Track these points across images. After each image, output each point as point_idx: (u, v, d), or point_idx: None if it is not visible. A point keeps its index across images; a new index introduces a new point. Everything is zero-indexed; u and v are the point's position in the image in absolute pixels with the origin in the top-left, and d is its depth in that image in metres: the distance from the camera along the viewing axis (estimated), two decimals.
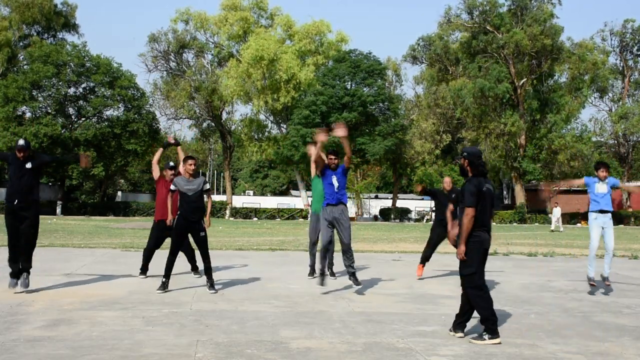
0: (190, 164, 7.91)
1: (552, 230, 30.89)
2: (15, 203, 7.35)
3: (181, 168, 9.03)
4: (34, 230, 7.51)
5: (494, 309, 5.55)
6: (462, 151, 5.79)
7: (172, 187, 7.99)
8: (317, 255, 9.41)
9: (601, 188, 8.47)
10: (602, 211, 8.47)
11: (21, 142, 7.45)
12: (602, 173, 8.50)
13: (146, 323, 5.92)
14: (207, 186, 8.09)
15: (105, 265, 10.62)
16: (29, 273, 7.51)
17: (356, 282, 7.98)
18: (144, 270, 9.17)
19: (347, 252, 7.96)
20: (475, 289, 5.53)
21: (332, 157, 8.22)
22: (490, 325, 5.43)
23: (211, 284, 7.95)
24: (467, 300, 5.65)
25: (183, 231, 7.95)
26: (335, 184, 8.05)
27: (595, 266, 8.62)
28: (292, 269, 10.60)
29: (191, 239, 8.34)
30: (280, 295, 7.78)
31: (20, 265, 7.47)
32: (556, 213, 31.78)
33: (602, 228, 8.50)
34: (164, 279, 7.88)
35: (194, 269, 9.46)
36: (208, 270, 7.97)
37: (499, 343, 5.39)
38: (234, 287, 8.32)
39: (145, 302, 7.06)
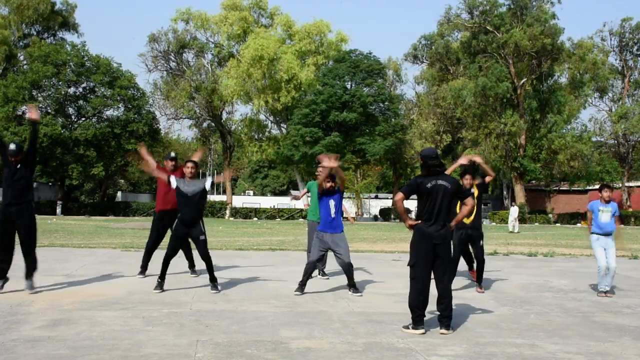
0: (188, 167, 7.82)
1: (511, 232, 29.64)
2: (10, 206, 7.32)
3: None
4: (33, 234, 7.49)
5: (423, 307, 5.84)
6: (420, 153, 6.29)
7: (172, 181, 7.79)
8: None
9: (604, 217, 8.50)
10: (604, 234, 8.53)
11: (12, 146, 7.35)
12: (605, 193, 8.53)
13: (146, 323, 5.92)
14: (208, 185, 7.92)
15: (105, 265, 10.61)
16: (32, 275, 7.51)
17: (356, 291, 7.94)
18: (143, 269, 9.13)
19: (348, 272, 7.92)
20: (411, 280, 5.92)
21: (330, 180, 7.98)
22: (414, 316, 5.84)
23: (214, 285, 7.92)
24: (443, 293, 5.91)
25: (182, 235, 7.91)
26: (332, 209, 7.90)
27: (605, 284, 8.56)
28: (292, 269, 10.60)
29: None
30: (280, 295, 7.78)
31: (26, 272, 7.46)
32: (513, 213, 30.89)
33: (604, 249, 8.52)
34: (159, 279, 7.85)
35: (191, 266, 9.41)
36: (210, 271, 7.94)
37: (422, 333, 5.73)
38: (234, 287, 8.32)
39: (145, 302, 7.06)
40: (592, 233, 8.63)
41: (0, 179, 7.61)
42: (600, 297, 8.39)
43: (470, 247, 8.61)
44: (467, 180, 8.46)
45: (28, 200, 7.46)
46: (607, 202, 8.54)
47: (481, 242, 8.52)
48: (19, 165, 7.40)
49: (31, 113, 7.86)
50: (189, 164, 7.87)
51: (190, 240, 8.28)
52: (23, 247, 7.46)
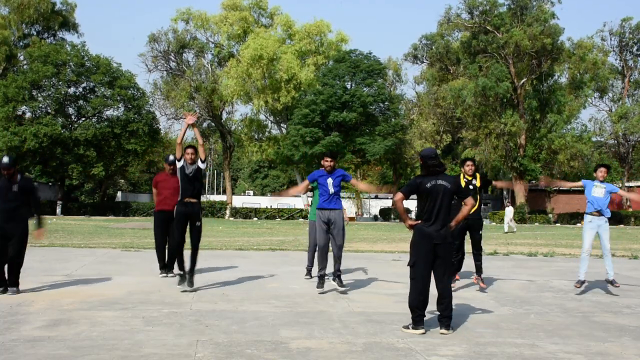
0: (188, 153, 7.92)
1: (506, 232, 28.90)
2: (3, 222, 7.22)
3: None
4: (22, 247, 7.39)
5: (423, 307, 5.84)
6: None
7: (179, 164, 7.91)
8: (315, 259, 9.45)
9: (597, 192, 8.41)
10: (596, 214, 8.42)
11: (5, 159, 7.19)
12: (600, 173, 8.47)
13: (146, 323, 5.92)
14: (201, 163, 7.98)
15: (105, 265, 10.61)
16: (18, 288, 7.43)
17: (340, 284, 7.96)
18: (163, 266, 9.11)
19: (338, 254, 7.97)
20: (411, 280, 5.91)
21: (328, 159, 8.08)
22: (414, 316, 5.83)
23: (191, 278, 7.79)
24: (444, 293, 5.90)
25: (182, 217, 7.87)
26: (331, 189, 7.96)
27: (585, 268, 8.54)
28: (292, 269, 10.60)
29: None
30: (280, 295, 7.78)
31: (8, 281, 7.37)
32: (508, 213, 30.46)
33: (597, 232, 8.44)
34: (181, 272, 7.88)
35: (164, 267, 9.26)
36: (193, 262, 7.83)
37: (422, 333, 5.73)
38: (234, 287, 8.32)
39: (145, 302, 7.06)
40: (586, 214, 8.51)
41: None
42: (577, 287, 8.47)
43: (469, 235, 8.59)
44: (468, 167, 8.48)
45: (22, 217, 7.31)
46: (602, 181, 8.48)
47: (480, 231, 8.54)
48: (14, 186, 7.23)
49: (39, 234, 7.59)
50: (189, 150, 7.96)
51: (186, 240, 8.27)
52: (11, 261, 7.32)
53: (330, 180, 7.97)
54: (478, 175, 8.57)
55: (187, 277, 7.85)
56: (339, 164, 46.89)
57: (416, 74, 72.83)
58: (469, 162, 8.53)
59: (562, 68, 50.53)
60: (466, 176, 8.48)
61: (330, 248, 8.12)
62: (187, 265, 7.88)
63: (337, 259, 8.00)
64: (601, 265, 8.86)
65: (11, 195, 7.25)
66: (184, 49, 52.24)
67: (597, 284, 9.31)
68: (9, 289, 7.39)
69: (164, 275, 9.11)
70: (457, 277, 9.14)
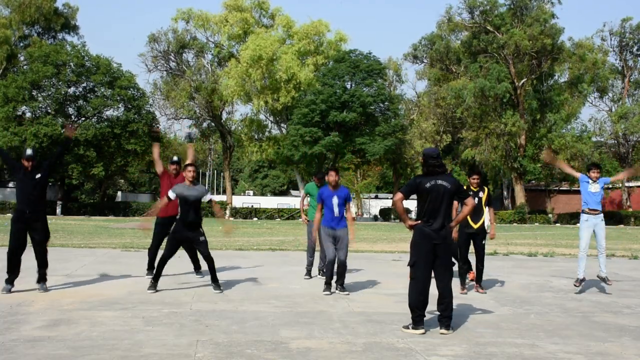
0: (190, 171, 7.83)
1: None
2: (26, 213, 7.48)
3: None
4: (47, 237, 7.72)
5: (423, 307, 5.84)
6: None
7: (170, 194, 7.76)
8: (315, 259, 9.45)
9: (594, 187, 8.52)
10: (592, 212, 8.48)
11: (29, 151, 7.54)
12: (593, 174, 8.55)
13: (146, 323, 5.92)
14: (209, 196, 8.01)
15: (105, 265, 10.62)
16: (46, 279, 7.71)
17: (343, 290, 8.00)
18: (151, 268, 9.09)
19: (341, 271, 7.97)
20: (411, 280, 5.92)
21: (333, 173, 8.01)
22: (414, 316, 5.83)
23: (216, 284, 7.93)
24: (444, 293, 5.90)
25: (181, 237, 7.90)
26: (336, 210, 7.91)
27: (584, 267, 8.62)
28: (292, 269, 10.61)
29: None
30: (280, 295, 7.78)
31: (38, 272, 7.65)
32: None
33: (593, 230, 8.51)
34: (153, 280, 7.86)
35: (197, 268, 9.38)
36: (212, 271, 7.96)
37: (422, 333, 5.72)
38: (234, 287, 8.32)
39: (145, 302, 7.06)
40: (582, 212, 8.59)
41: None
42: (576, 285, 8.58)
43: (472, 243, 8.58)
44: (474, 180, 8.42)
45: (43, 208, 7.70)
46: (595, 180, 8.56)
47: (484, 240, 8.52)
48: (37, 175, 7.49)
49: (68, 130, 8.39)
50: (190, 168, 7.88)
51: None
52: (39, 253, 7.69)
53: (335, 201, 7.91)
54: (486, 190, 8.54)
55: (213, 285, 7.96)
56: (339, 164, 46.92)
57: (418, 68, 72.63)
58: (475, 176, 8.47)
59: (562, 68, 50.52)
60: (472, 188, 8.44)
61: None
62: (210, 276, 8.05)
63: (341, 275, 7.99)
64: (589, 264, 8.89)
65: (35, 186, 7.50)
66: (184, 49, 52.19)
67: (596, 284, 9.31)
68: (40, 285, 7.61)
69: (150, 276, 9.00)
70: (464, 290, 8.79)
